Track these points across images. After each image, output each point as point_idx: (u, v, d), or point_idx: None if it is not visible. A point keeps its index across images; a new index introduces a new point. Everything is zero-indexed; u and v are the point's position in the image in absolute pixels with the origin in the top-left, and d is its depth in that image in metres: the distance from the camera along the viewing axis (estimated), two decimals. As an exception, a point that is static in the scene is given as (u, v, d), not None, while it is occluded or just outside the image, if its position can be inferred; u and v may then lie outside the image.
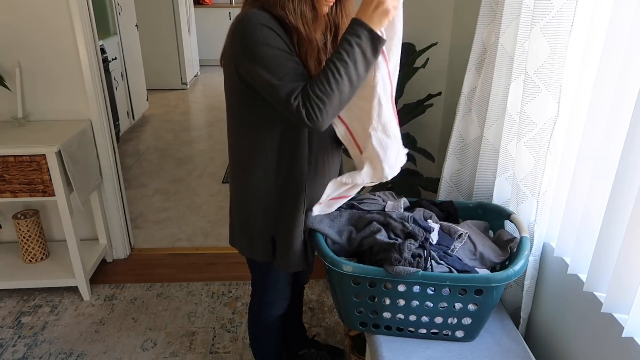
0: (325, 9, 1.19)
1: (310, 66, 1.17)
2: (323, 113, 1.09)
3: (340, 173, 1.54)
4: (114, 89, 4.07)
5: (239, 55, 1.15)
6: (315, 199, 1.34)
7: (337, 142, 1.38)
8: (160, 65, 5.86)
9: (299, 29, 1.13)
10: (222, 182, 3.61)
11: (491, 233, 1.44)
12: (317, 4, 1.14)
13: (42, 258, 2.42)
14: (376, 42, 1.09)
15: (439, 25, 2.26)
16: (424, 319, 1.24)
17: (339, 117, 1.24)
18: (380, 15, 1.07)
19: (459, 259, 1.26)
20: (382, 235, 1.25)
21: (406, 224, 1.28)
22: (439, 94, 2.18)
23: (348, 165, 2.45)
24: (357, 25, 1.09)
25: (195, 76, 6.69)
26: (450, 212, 1.48)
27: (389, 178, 1.18)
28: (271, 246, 1.37)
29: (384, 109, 1.16)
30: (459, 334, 1.28)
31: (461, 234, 1.32)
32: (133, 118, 4.65)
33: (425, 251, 1.20)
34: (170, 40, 5.78)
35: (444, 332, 1.28)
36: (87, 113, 2.35)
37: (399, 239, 1.24)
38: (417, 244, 1.21)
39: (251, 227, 1.37)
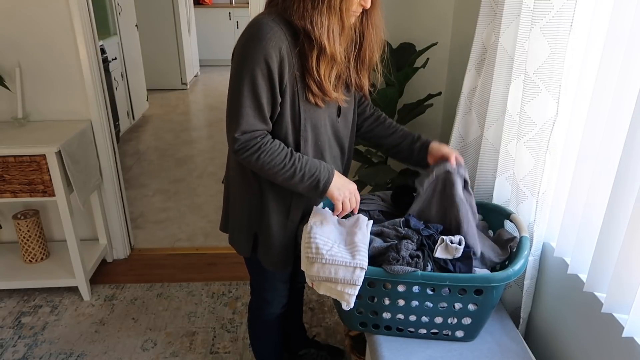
0: (352, 19, 1.18)
1: (327, 82, 1.17)
2: (248, 163, 1.20)
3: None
4: (114, 89, 4.07)
5: (235, 56, 1.17)
6: (310, 204, 1.35)
7: (337, 149, 1.38)
8: (160, 65, 5.87)
9: (323, 44, 1.12)
10: (222, 182, 3.62)
11: (491, 233, 1.44)
12: (345, 16, 1.13)
13: (42, 258, 2.42)
14: (313, 195, 1.24)
15: (439, 25, 2.26)
16: (424, 319, 1.24)
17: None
18: (337, 190, 1.24)
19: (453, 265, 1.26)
20: (378, 242, 1.25)
21: (399, 228, 1.29)
22: (439, 94, 2.18)
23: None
24: (327, 180, 1.22)
25: (195, 76, 6.69)
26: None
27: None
28: (252, 242, 1.38)
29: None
30: (459, 334, 1.28)
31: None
32: (133, 118, 4.65)
33: (423, 252, 1.20)
34: (170, 40, 5.78)
35: (444, 332, 1.28)
36: (87, 113, 2.35)
37: (395, 241, 1.25)
38: (414, 246, 1.21)
39: (236, 221, 1.40)
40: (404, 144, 1.43)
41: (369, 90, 1.36)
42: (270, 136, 1.20)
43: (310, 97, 1.20)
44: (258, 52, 1.11)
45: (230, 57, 1.23)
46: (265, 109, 1.17)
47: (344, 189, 1.25)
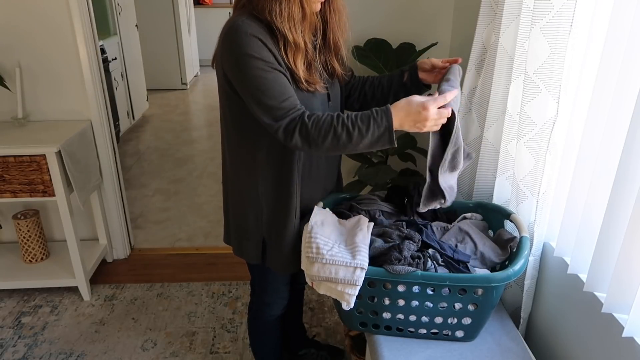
0: (317, 6, 1.18)
1: (299, 70, 1.17)
2: (305, 148, 1.15)
3: (338, 175, 1.55)
4: (114, 89, 4.07)
5: (228, 65, 1.16)
6: (310, 203, 1.35)
7: None
8: (160, 65, 5.86)
9: (285, 33, 1.13)
10: (222, 182, 3.62)
11: (491, 233, 1.44)
12: (306, 3, 1.13)
13: (42, 258, 2.42)
14: (388, 145, 1.12)
15: (439, 25, 2.26)
16: (424, 319, 1.24)
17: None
18: (413, 126, 1.11)
19: (453, 249, 1.27)
20: (379, 243, 1.25)
21: (401, 228, 1.29)
22: (439, 94, 2.18)
23: (348, 163, 2.45)
24: (388, 118, 1.10)
25: (195, 76, 6.69)
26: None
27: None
28: (261, 248, 1.37)
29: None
30: (459, 334, 1.28)
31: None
32: (133, 118, 4.66)
33: (424, 254, 1.21)
34: (170, 40, 5.78)
35: (444, 332, 1.28)
36: (87, 113, 2.35)
37: (397, 241, 1.25)
38: (415, 247, 1.21)
39: (242, 229, 1.38)
40: (394, 84, 1.38)
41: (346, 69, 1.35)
42: (305, 111, 1.16)
43: (300, 85, 1.19)
44: (247, 49, 1.11)
45: (212, 63, 1.22)
46: (283, 91, 1.14)
47: (413, 117, 1.10)
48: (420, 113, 1.08)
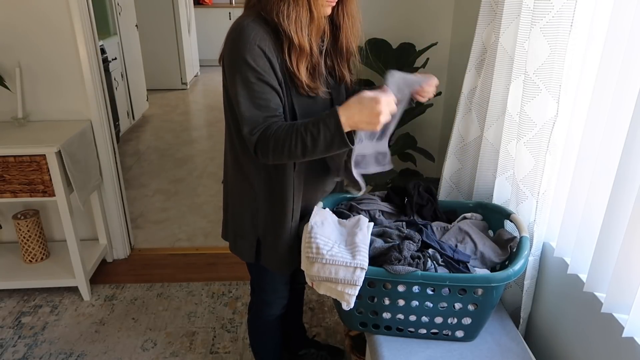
0: (327, 10, 1.17)
1: (301, 73, 1.17)
2: (269, 160, 1.16)
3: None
4: (114, 89, 4.07)
5: (226, 64, 1.17)
6: (310, 204, 1.35)
7: None
8: (160, 65, 5.86)
9: (291, 36, 1.13)
10: (222, 182, 3.61)
11: (491, 233, 1.44)
12: (314, 7, 1.13)
13: (42, 258, 2.42)
14: (343, 146, 1.10)
15: (439, 25, 2.26)
16: (424, 319, 1.24)
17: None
18: (366, 126, 1.07)
19: (453, 249, 1.27)
20: (379, 243, 1.25)
21: (401, 228, 1.29)
22: (439, 94, 2.18)
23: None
24: (335, 120, 1.07)
25: (195, 76, 6.69)
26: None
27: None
28: (255, 248, 1.37)
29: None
30: (459, 334, 1.28)
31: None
32: (133, 118, 4.66)
33: (424, 254, 1.21)
34: (170, 40, 5.78)
35: (444, 332, 1.28)
36: (87, 113, 2.35)
37: (397, 241, 1.25)
38: (415, 247, 1.21)
39: (238, 227, 1.39)
40: None
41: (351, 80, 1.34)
42: (269, 126, 1.16)
43: (301, 90, 1.19)
44: (245, 54, 1.11)
45: (218, 61, 1.23)
46: (267, 107, 1.16)
47: (367, 112, 1.05)
48: (374, 108, 1.04)
